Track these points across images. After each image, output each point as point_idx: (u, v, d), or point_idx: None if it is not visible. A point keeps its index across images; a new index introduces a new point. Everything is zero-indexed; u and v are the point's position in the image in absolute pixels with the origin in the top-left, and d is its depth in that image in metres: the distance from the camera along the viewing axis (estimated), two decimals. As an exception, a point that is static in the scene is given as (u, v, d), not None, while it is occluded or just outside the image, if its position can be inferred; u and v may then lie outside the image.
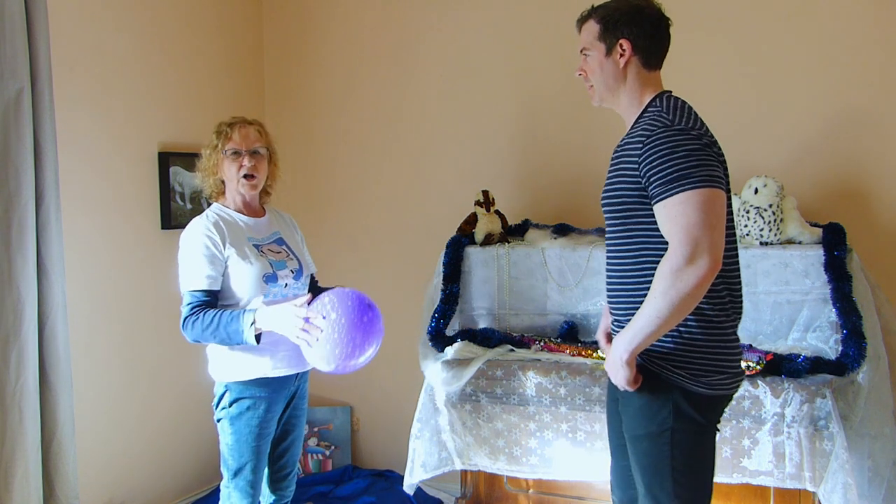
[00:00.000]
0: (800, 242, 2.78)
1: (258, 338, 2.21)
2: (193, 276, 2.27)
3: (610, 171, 1.94)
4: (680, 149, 1.74)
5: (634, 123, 1.91)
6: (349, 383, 3.89)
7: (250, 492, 2.35)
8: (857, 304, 2.58)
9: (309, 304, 2.21)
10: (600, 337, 2.12)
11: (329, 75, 3.84)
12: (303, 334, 2.15)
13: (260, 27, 3.95)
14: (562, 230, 3.21)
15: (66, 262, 2.81)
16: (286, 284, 2.37)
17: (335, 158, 3.85)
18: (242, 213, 2.42)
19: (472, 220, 3.23)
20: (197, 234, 2.31)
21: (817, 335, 2.69)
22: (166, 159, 3.33)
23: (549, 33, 3.38)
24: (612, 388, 2.05)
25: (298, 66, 3.91)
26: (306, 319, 2.16)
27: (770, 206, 2.76)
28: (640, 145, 1.80)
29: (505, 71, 3.47)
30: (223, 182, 2.43)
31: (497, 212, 3.23)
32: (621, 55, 1.90)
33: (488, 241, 3.17)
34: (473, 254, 3.18)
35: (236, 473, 2.34)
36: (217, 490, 2.51)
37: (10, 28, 2.57)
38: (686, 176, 1.72)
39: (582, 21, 1.97)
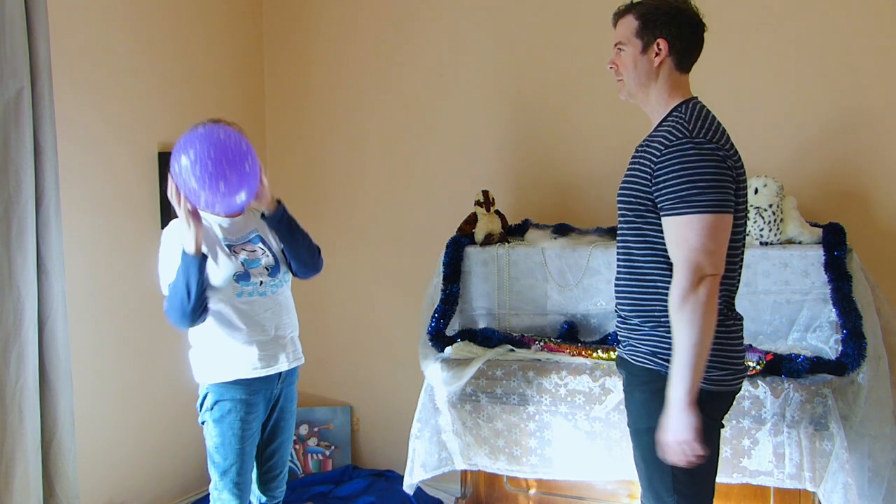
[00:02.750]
0: (800, 242, 2.78)
1: (201, 257, 2.23)
2: (167, 281, 2.32)
3: (628, 169, 1.96)
4: (693, 166, 1.77)
5: (658, 125, 1.93)
6: (349, 383, 3.90)
7: (237, 493, 2.37)
8: (857, 304, 2.58)
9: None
10: None
11: (329, 75, 3.83)
12: (182, 211, 2.19)
13: (260, 27, 3.95)
14: (562, 230, 3.20)
15: (66, 262, 2.80)
16: (261, 282, 2.37)
17: (335, 158, 3.85)
18: (219, 215, 2.40)
19: (472, 220, 3.23)
20: (170, 240, 2.34)
21: (817, 335, 2.69)
22: (166, 159, 3.33)
23: (550, 32, 3.38)
24: (624, 383, 2.06)
25: (298, 66, 3.90)
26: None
27: (770, 206, 2.76)
28: (658, 153, 1.82)
29: (505, 70, 3.47)
30: None
31: (497, 212, 3.23)
32: (657, 54, 1.91)
33: (488, 241, 3.17)
34: (473, 254, 3.17)
35: (223, 475, 2.36)
36: (216, 490, 2.52)
37: (10, 28, 2.57)
38: (694, 195, 1.75)
39: (619, 15, 1.98)
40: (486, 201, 3.19)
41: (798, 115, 3.01)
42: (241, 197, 2.21)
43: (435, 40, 3.60)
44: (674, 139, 1.81)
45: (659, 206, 1.82)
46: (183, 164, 2.14)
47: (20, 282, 2.62)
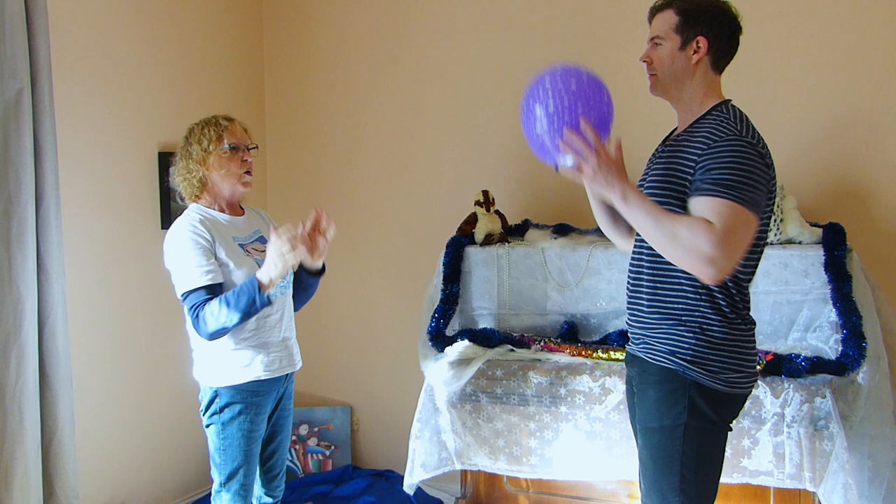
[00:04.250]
0: (800, 242, 2.78)
1: (269, 298, 2.21)
2: (193, 274, 2.21)
3: (657, 165, 1.93)
4: (745, 162, 1.75)
5: (694, 123, 1.90)
6: (349, 383, 3.90)
7: (243, 494, 2.35)
8: (857, 304, 2.58)
9: None
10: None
11: (329, 75, 3.84)
12: (287, 252, 2.17)
13: (260, 27, 3.95)
14: (562, 230, 3.20)
15: (66, 262, 2.80)
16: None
17: (335, 158, 3.85)
18: (224, 213, 2.38)
19: (472, 220, 3.23)
20: (185, 232, 2.26)
21: (817, 335, 2.69)
22: (166, 159, 3.33)
23: (550, 32, 3.38)
24: (629, 382, 2.05)
25: (298, 66, 3.90)
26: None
27: (770, 206, 2.76)
28: (705, 146, 1.80)
29: (505, 71, 3.47)
30: (202, 181, 2.35)
31: (497, 212, 3.23)
32: (695, 52, 1.89)
33: (488, 241, 3.17)
34: (473, 254, 3.18)
35: (229, 478, 2.33)
36: (217, 490, 2.52)
37: (10, 28, 2.57)
38: (742, 189, 1.73)
39: (658, 10, 1.96)
40: (486, 201, 3.19)
41: (798, 115, 3.01)
42: (567, 162, 1.92)
43: (435, 39, 3.60)
44: (725, 134, 1.79)
45: (695, 186, 1.78)
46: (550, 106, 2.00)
47: (20, 282, 2.62)
